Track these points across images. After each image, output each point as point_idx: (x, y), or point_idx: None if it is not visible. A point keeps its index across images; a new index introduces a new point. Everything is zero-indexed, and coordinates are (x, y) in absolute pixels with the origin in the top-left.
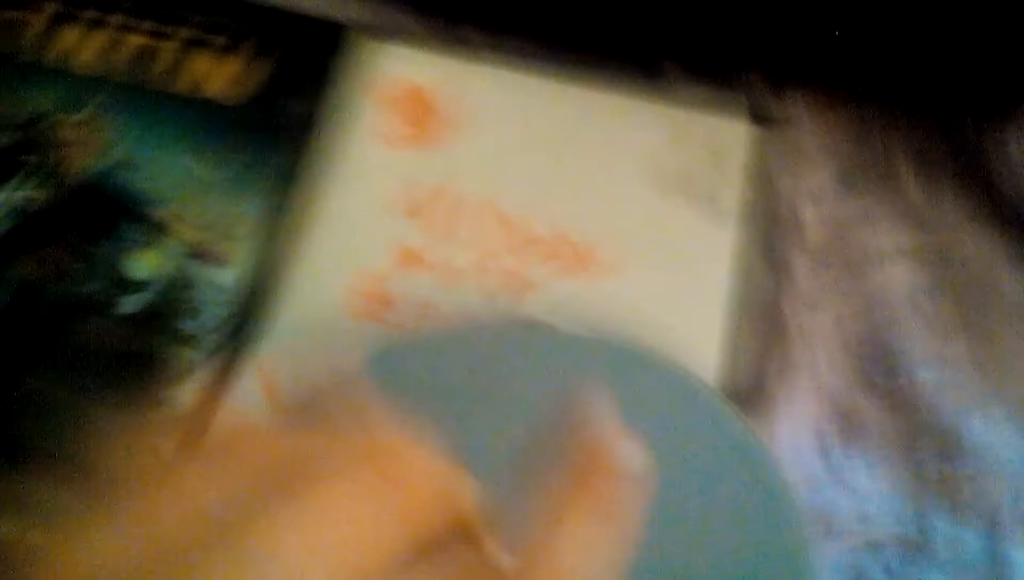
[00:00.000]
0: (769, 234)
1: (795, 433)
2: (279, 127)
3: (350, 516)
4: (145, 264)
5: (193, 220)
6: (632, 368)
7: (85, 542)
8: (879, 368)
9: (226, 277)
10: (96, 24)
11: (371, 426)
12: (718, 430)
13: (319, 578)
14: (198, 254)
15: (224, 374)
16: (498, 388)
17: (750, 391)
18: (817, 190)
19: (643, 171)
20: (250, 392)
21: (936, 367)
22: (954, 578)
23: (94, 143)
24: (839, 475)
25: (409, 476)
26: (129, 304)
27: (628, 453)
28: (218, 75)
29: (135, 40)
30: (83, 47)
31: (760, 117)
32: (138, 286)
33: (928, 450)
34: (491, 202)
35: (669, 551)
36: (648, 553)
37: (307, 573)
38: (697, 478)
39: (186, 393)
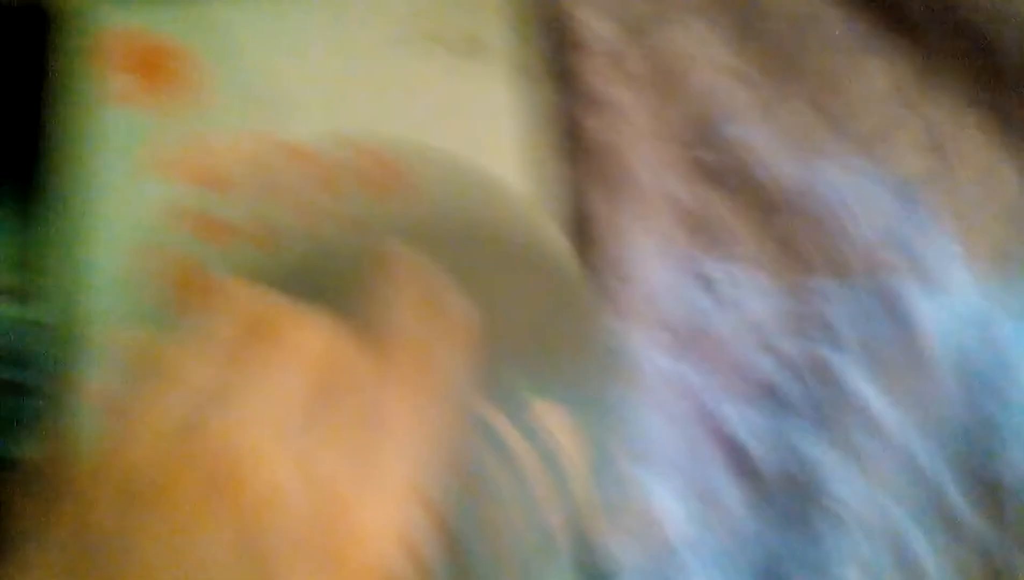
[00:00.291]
0: (555, 54)
1: (646, 246)
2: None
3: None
4: None
5: None
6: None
7: None
8: (704, 143)
9: (35, 311)
10: None
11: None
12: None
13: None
14: None
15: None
16: None
17: (584, 220)
18: None
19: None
20: (88, 416)
21: (755, 118)
22: (853, 339)
23: None
24: (704, 276)
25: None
26: None
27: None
28: None
29: None
30: None
31: None
32: None
33: (781, 212)
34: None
35: None
36: None
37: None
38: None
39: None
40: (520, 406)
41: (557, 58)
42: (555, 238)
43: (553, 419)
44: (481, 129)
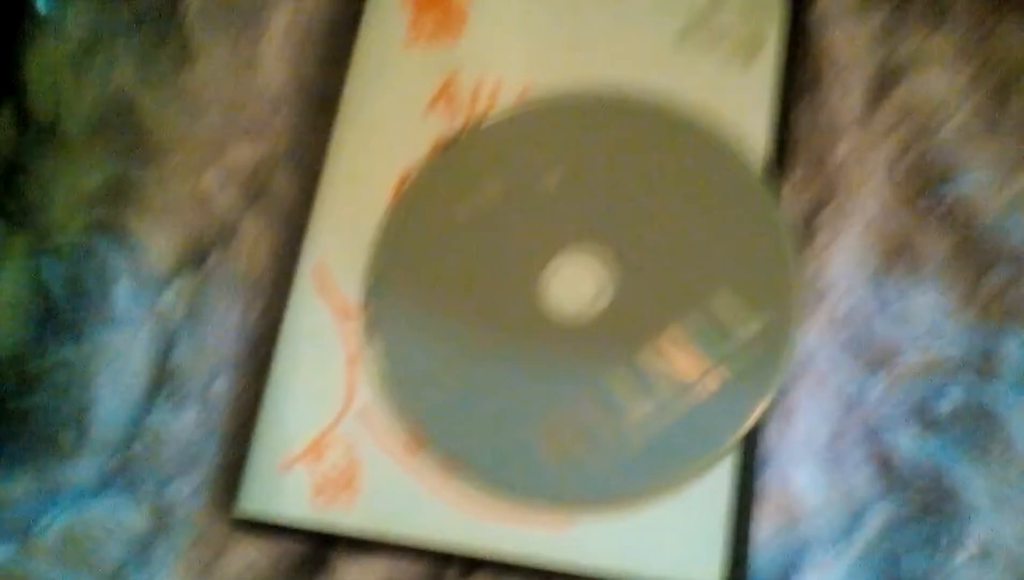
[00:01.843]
0: (805, 69)
1: (846, 267)
2: None
3: None
4: None
5: None
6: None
7: None
8: (927, 188)
9: None
10: None
11: None
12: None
13: None
14: None
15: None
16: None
17: (797, 227)
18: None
19: (671, 27)
20: (308, 293)
21: (992, 175)
22: (1022, 397)
23: None
24: (895, 305)
25: None
26: None
27: None
28: None
29: None
30: None
31: None
32: None
33: (990, 266)
34: (522, 83)
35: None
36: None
37: None
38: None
39: None
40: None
41: (814, 82)
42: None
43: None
44: (729, 126)
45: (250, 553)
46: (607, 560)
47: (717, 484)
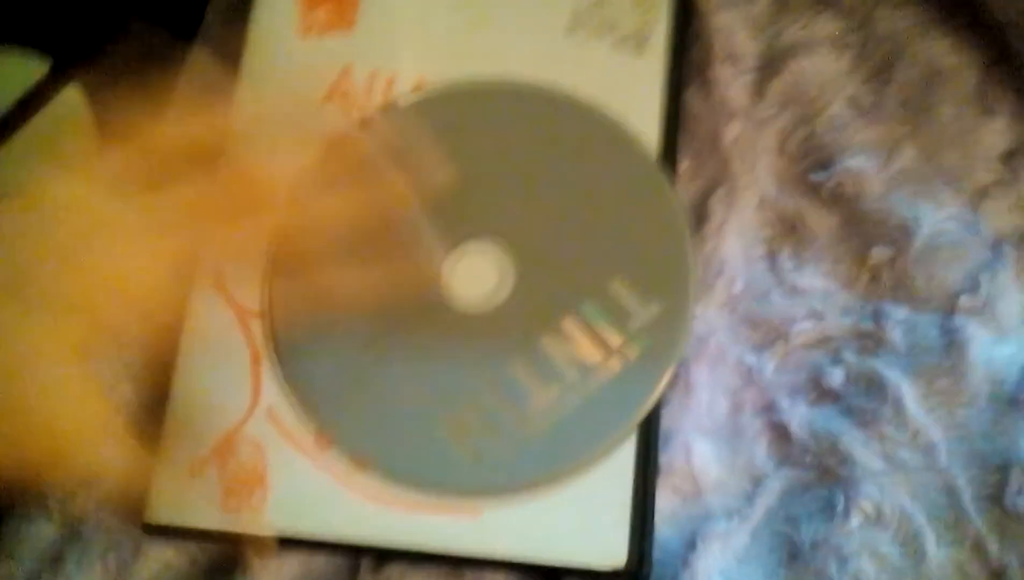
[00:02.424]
0: (694, 55)
1: (740, 245)
2: None
3: None
4: None
5: None
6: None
7: None
8: (817, 166)
9: None
10: None
11: None
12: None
13: None
14: None
15: None
16: None
17: (691, 209)
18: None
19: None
20: (209, 296)
21: (875, 155)
22: (911, 364)
23: None
24: (789, 280)
25: None
26: None
27: None
28: None
29: None
30: None
31: None
32: None
33: (878, 241)
34: (417, 75)
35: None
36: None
37: None
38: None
39: None
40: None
41: (701, 65)
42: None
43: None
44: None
45: (166, 554)
46: (516, 546)
47: (621, 466)
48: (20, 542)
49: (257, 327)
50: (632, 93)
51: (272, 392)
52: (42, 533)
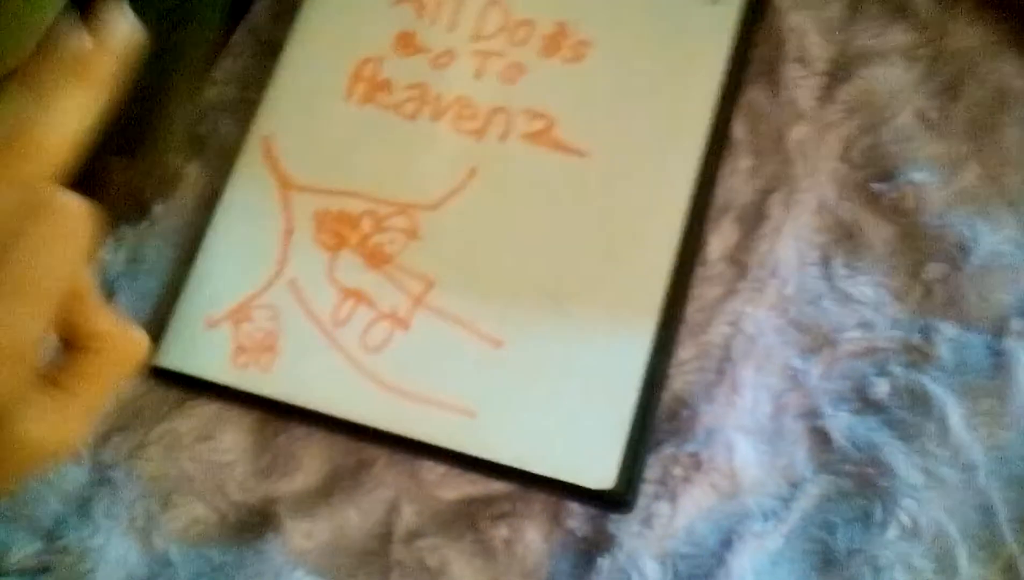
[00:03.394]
0: (764, 53)
1: (796, 248)
2: None
3: None
4: None
5: None
6: None
7: None
8: (879, 176)
9: None
10: None
11: None
12: None
13: None
14: None
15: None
16: None
17: (748, 208)
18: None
19: None
20: (255, 164)
21: (938, 170)
22: (957, 382)
23: None
24: (841, 287)
25: None
26: None
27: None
28: None
29: None
30: None
31: None
32: None
33: (934, 257)
34: None
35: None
36: None
37: None
38: None
39: None
40: None
41: (770, 63)
42: None
43: None
44: (688, 73)
45: (195, 508)
46: (509, 451)
47: (624, 391)
48: (47, 483)
49: (296, 199)
50: (701, 38)
51: (297, 264)
52: (70, 475)
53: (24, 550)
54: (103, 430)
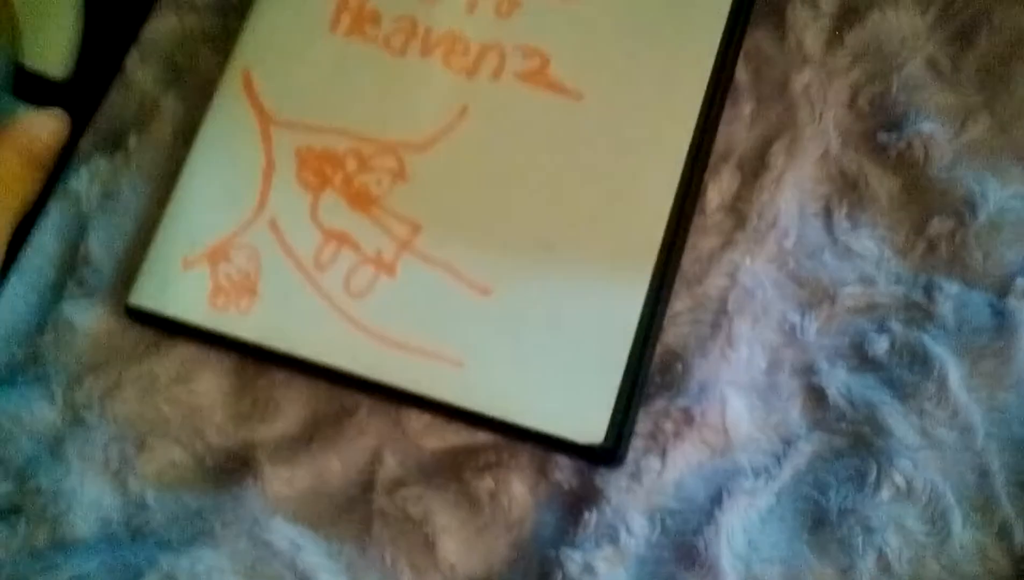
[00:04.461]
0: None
1: (797, 199)
2: None
3: None
4: None
5: None
6: None
7: None
8: (886, 126)
9: None
10: None
11: None
12: None
13: None
14: None
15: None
16: None
17: (747, 156)
18: None
19: None
20: (234, 98)
21: (947, 121)
22: (958, 341)
23: None
24: (842, 240)
25: None
26: None
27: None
28: None
29: None
30: None
31: None
32: None
33: (939, 211)
34: None
35: None
36: None
37: None
38: None
39: None
40: None
41: (777, 5)
42: None
43: None
44: (691, 13)
45: (172, 452)
46: (495, 403)
47: (617, 344)
48: (18, 422)
49: (277, 135)
50: None
51: (278, 203)
52: (42, 415)
53: None
54: (76, 370)
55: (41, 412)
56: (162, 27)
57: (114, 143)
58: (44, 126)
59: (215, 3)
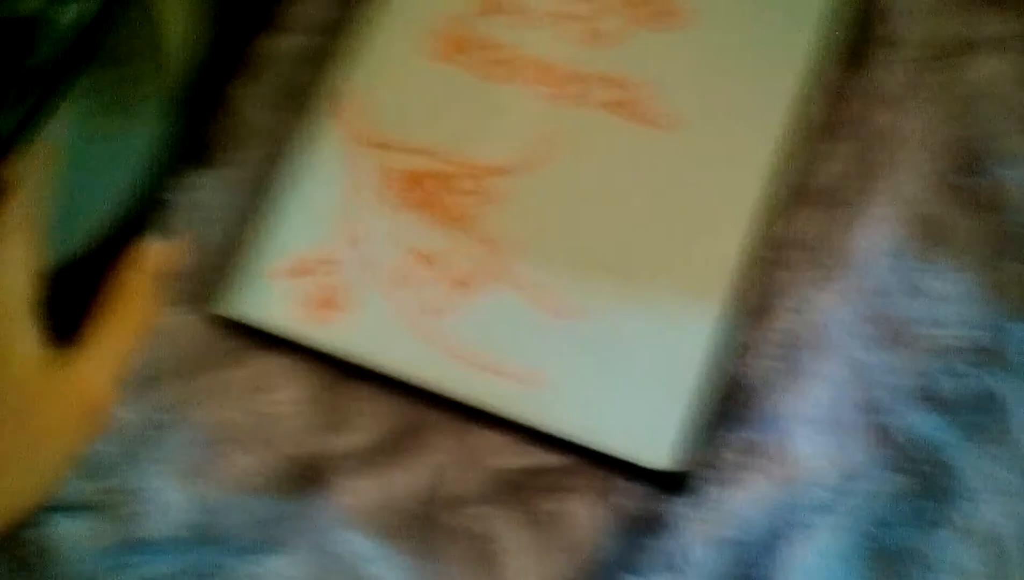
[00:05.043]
0: (853, 34)
1: (871, 237)
2: None
3: None
4: None
5: None
6: None
7: None
8: (964, 169)
9: None
10: None
11: None
12: None
13: None
14: None
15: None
16: None
17: (823, 192)
18: None
19: None
20: (327, 117)
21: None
22: None
23: None
24: (914, 281)
25: None
26: None
27: None
28: None
29: None
30: None
31: None
32: None
33: (1011, 256)
34: None
35: None
36: None
37: None
38: None
39: None
40: None
41: (859, 45)
42: None
43: None
44: (773, 50)
45: (245, 459)
46: (572, 424)
47: (685, 367)
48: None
49: (367, 155)
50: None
51: (364, 221)
52: (123, 417)
53: (75, 488)
54: (159, 374)
55: (123, 413)
56: (262, 48)
57: (208, 158)
58: (170, 254)
59: (311, 26)
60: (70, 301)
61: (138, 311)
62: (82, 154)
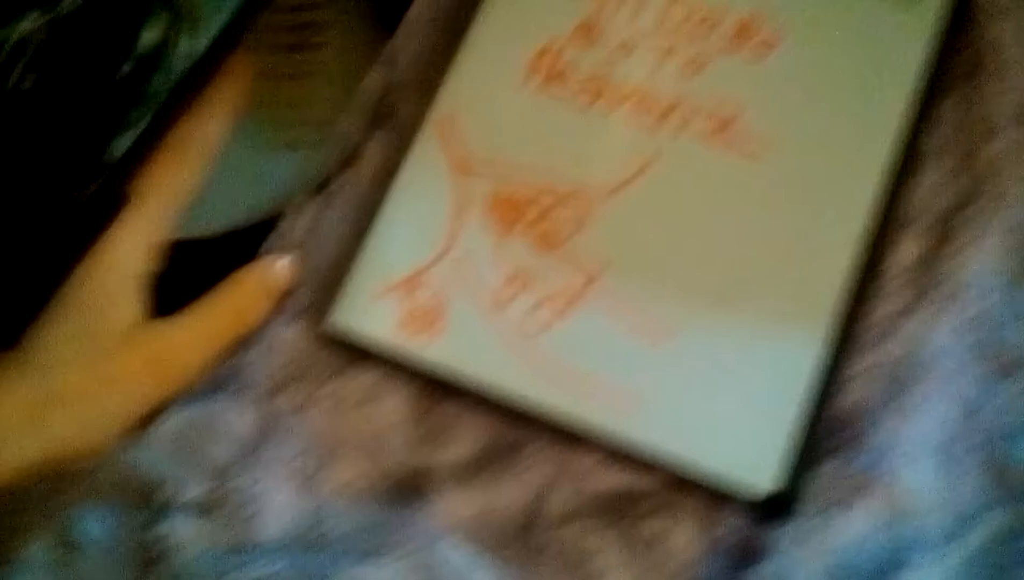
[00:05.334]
0: (960, 64)
1: (981, 270)
2: None
3: None
4: None
5: None
6: None
7: None
8: None
9: None
10: None
11: None
12: None
13: None
14: None
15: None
16: None
17: (929, 221)
18: None
19: None
20: (431, 143)
21: None
22: None
23: None
24: None
25: None
26: None
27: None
28: None
29: None
30: None
31: None
32: None
33: None
34: None
35: None
36: None
37: None
38: None
39: None
40: None
41: (966, 76)
42: None
43: None
44: (878, 80)
45: (352, 468)
46: (671, 445)
47: (788, 395)
48: (223, 425)
49: (469, 180)
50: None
51: (465, 242)
52: (242, 421)
53: (196, 488)
54: (273, 384)
55: (241, 419)
56: (368, 82)
57: (320, 184)
58: (285, 269)
59: (415, 59)
60: (182, 279)
61: (243, 313)
62: (241, 158)
